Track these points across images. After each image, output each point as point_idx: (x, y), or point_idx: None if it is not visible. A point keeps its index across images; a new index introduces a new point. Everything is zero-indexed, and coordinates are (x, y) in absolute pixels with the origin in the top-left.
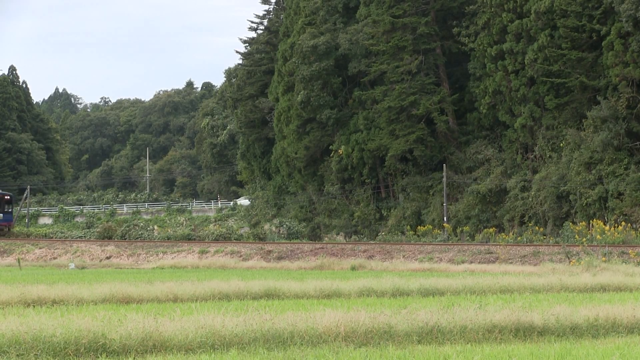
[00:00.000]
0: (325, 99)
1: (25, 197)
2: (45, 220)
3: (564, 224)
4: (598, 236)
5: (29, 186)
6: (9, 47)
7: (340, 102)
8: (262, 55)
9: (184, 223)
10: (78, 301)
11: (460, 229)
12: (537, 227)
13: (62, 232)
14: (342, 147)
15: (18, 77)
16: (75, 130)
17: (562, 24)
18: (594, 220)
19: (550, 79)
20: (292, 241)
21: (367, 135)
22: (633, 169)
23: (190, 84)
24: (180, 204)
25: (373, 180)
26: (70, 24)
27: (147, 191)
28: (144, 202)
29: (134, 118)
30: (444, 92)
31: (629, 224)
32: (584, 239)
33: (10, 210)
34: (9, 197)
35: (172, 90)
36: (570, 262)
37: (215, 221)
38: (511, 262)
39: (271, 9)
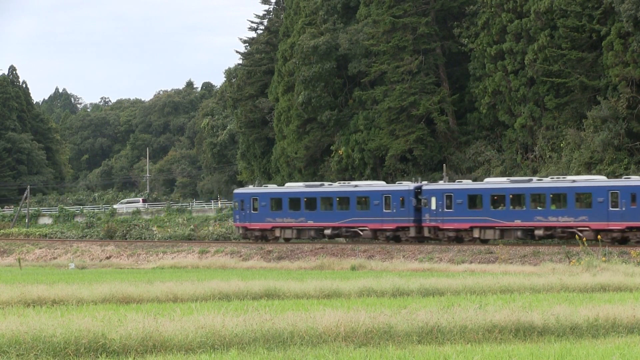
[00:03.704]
0: (326, 99)
1: (25, 197)
2: (45, 220)
3: None
4: (598, 236)
5: (29, 186)
6: (9, 47)
7: (340, 103)
8: (262, 55)
9: (184, 223)
10: (78, 301)
11: None
12: None
13: (62, 232)
14: (342, 147)
15: (18, 77)
16: (75, 130)
17: (562, 24)
18: None
19: (550, 79)
20: (292, 241)
21: (367, 135)
22: (633, 169)
23: (190, 84)
24: (180, 204)
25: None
26: (70, 24)
27: (147, 191)
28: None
29: (134, 118)
30: (444, 92)
31: None
32: (584, 239)
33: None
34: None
35: (172, 90)
36: (570, 262)
37: (215, 221)
38: (511, 262)
39: (271, 9)
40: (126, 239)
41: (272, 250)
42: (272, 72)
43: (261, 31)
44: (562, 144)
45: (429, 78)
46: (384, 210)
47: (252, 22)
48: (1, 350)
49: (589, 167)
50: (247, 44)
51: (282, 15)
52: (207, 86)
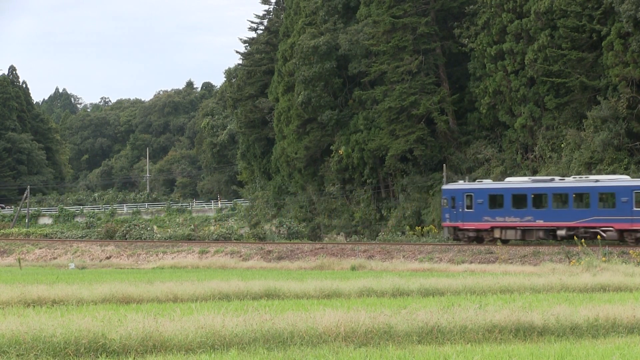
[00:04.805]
0: (326, 99)
1: (25, 197)
2: (45, 220)
3: None
4: (598, 236)
5: (29, 186)
6: (9, 47)
7: (340, 103)
8: (262, 55)
9: (184, 223)
10: (78, 301)
11: None
12: None
13: (62, 232)
14: (342, 147)
15: (18, 77)
16: (75, 130)
17: (562, 24)
18: None
19: (550, 79)
20: (292, 241)
21: (367, 135)
22: (633, 169)
23: (190, 84)
24: (180, 204)
25: (373, 181)
26: (70, 24)
27: (147, 191)
28: (143, 202)
29: (134, 118)
30: (444, 92)
31: None
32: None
33: None
34: None
35: (172, 90)
36: (570, 262)
37: (216, 221)
38: (511, 262)
39: (271, 9)
40: (126, 239)
41: (272, 250)
42: (272, 72)
43: (261, 31)
44: (562, 144)
45: (429, 78)
46: (634, 209)
47: (252, 22)
48: (1, 350)
49: (589, 167)
50: (247, 44)
51: (282, 16)
52: (207, 86)
